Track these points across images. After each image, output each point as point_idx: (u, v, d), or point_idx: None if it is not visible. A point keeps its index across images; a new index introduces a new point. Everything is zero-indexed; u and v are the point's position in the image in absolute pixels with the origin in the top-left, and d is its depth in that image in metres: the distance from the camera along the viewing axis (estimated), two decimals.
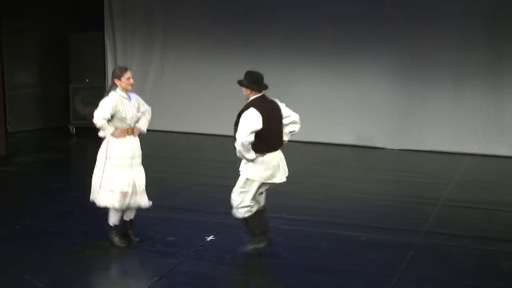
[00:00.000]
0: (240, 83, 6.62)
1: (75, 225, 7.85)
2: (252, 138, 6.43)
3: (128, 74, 6.94)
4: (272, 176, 6.66)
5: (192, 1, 12.26)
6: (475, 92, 11.09)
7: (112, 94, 6.95)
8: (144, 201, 7.16)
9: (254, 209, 6.72)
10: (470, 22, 10.89)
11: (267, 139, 6.52)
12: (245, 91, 6.61)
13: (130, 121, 6.97)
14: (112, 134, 6.95)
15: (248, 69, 6.75)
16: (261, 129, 6.46)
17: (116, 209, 7.03)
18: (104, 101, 6.93)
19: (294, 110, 11.68)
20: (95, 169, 7.08)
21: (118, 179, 6.93)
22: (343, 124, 11.63)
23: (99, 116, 6.91)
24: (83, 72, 12.29)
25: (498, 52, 10.88)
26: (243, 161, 6.66)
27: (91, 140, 12.29)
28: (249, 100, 6.56)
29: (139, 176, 7.09)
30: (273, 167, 6.63)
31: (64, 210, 8.38)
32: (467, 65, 11.06)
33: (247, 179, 6.63)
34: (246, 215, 6.70)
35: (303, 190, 9.27)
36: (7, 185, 9.52)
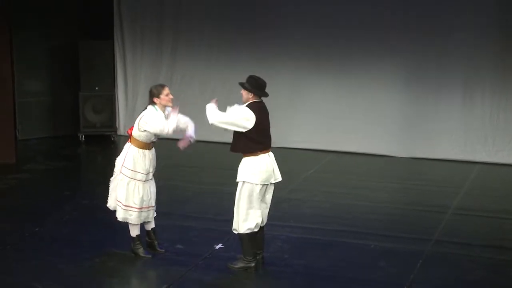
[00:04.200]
0: (242, 85, 6.66)
1: (84, 233, 7.86)
2: (227, 127, 6.46)
3: (166, 90, 6.94)
4: (268, 178, 6.67)
5: (202, 10, 12.25)
6: (485, 100, 11.04)
7: (152, 109, 6.89)
8: (152, 215, 7.20)
9: (257, 226, 6.68)
10: (480, 30, 10.85)
11: (260, 138, 6.59)
12: (245, 94, 6.66)
13: (154, 139, 7.00)
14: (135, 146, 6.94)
15: (253, 74, 6.77)
16: (255, 129, 6.51)
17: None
18: (155, 116, 6.82)
19: (302, 118, 11.84)
20: (113, 174, 7.06)
21: (136, 195, 6.94)
22: (351, 131, 11.59)
23: (166, 126, 6.77)
24: (92, 80, 12.30)
25: (509, 60, 10.84)
26: (241, 164, 6.65)
27: (101, 148, 12.41)
28: (248, 103, 6.61)
29: (151, 191, 7.11)
30: (268, 171, 6.64)
31: (73, 218, 8.39)
32: (477, 73, 11.01)
33: (245, 183, 6.60)
34: (249, 230, 6.64)
35: (311, 198, 9.25)
36: (17, 192, 9.53)
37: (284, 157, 11.32)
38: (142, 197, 6.96)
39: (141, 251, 7.11)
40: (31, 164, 10.82)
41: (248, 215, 6.62)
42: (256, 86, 6.64)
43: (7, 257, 7.21)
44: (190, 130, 7.07)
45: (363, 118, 11.56)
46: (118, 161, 7.03)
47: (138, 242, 7.11)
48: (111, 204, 7.13)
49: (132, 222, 7.00)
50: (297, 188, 9.66)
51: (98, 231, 7.87)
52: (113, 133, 12.49)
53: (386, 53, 11.33)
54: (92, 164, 11.50)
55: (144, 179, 6.96)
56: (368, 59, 11.41)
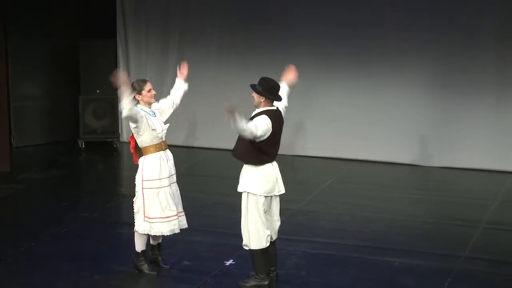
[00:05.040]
0: (254, 88, 6.60)
1: (84, 248, 7.81)
2: (262, 135, 6.43)
3: (148, 86, 6.94)
4: (272, 189, 6.61)
5: (211, 9, 12.25)
6: None
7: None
8: (183, 222, 7.13)
9: (268, 240, 6.61)
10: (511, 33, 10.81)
11: (268, 149, 6.54)
12: (256, 97, 6.62)
13: (161, 135, 6.96)
14: (143, 151, 6.91)
15: (265, 76, 6.71)
16: (267, 140, 6.47)
17: (153, 234, 6.97)
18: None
19: (317, 123, 11.79)
20: (136, 193, 7.01)
21: (170, 201, 6.89)
22: (372, 138, 11.54)
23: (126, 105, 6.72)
24: (93, 82, 12.30)
25: None
26: (242, 173, 6.60)
27: (102, 156, 12.42)
28: (261, 110, 6.55)
29: (177, 195, 7.07)
30: (272, 181, 6.59)
31: (72, 231, 8.35)
32: (509, 77, 10.93)
33: (249, 194, 6.55)
34: (261, 246, 6.57)
35: (329, 211, 9.19)
36: (11, 203, 9.53)
37: (299, 166, 11.39)
38: (174, 202, 6.94)
39: (145, 267, 7.06)
40: (26, 173, 10.81)
41: (258, 229, 6.56)
42: (268, 89, 6.58)
43: (0, 273, 7.16)
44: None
45: (385, 124, 11.51)
46: (137, 179, 6.96)
47: (143, 258, 7.06)
48: (140, 227, 6.97)
49: (177, 231, 6.97)
50: (314, 200, 9.61)
51: (99, 246, 7.82)
52: (115, 139, 12.48)
53: (410, 53, 11.28)
54: (93, 173, 11.48)
55: (169, 183, 6.93)
56: (390, 59, 11.36)
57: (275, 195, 6.68)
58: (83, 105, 12.34)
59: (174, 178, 7.08)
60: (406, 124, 11.42)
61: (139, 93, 6.90)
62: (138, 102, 6.90)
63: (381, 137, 11.52)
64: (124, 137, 12.78)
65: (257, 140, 6.48)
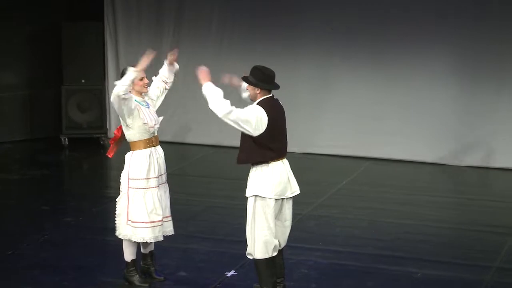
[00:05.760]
0: (246, 80, 6.62)
1: (68, 257, 7.83)
2: (235, 126, 6.43)
3: (141, 74, 6.95)
4: (284, 190, 6.61)
5: None
6: None
7: None
8: (169, 228, 7.15)
9: (276, 249, 6.62)
10: None
11: (270, 144, 6.53)
12: (251, 89, 6.63)
13: (153, 129, 6.98)
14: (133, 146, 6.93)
15: (258, 65, 6.72)
16: (267, 133, 6.47)
17: (140, 242, 6.99)
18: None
19: (330, 117, 11.79)
20: (120, 192, 7.03)
21: (157, 204, 6.91)
22: (392, 134, 11.55)
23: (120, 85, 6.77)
24: (78, 70, 12.33)
25: None
26: (250, 176, 6.63)
27: (88, 153, 12.43)
28: (257, 101, 6.57)
29: (165, 197, 7.08)
30: (284, 182, 6.59)
31: (54, 239, 8.36)
32: None
33: (257, 198, 6.55)
34: (267, 255, 6.59)
35: (344, 215, 9.20)
36: None
37: (310, 165, 11.40)
38: (161, 205, 6.96)
39: (136, 278, 7.09)
40: (2, 173, 10.84)
41: (265, 237, 6.57)
42: (263, 78, 6.59)
43: None
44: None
45: (406, 118, 11.51)
46: (123, 177, 6.99)
47: (133, 268, 7.09)
48: (121, 231, 7.00)
49: (160, 238, 6.98)
50: (326, 203, 9.62)
51: (85, 256, 7.84)
52: (102, 135, 12.51)
53: (435, 39, 11.28)
54: (77, 173, 11.51)
55: (158, 184, 6.95)
56: (413, 45, 11.36)
57: (287, 198, 6.68)
58: (66, 97, 12.37)
59: (164, 178, 7.09)
60: (431, 118, 11.42)
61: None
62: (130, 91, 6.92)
63: (403, 132, 11.52)
64: (112, 133, 12.78)
65: (255, 135, 6.46)
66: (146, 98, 7.07)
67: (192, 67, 12.24)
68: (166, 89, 7.30)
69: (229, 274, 7.42)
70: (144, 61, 6.90)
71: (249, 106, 6.58)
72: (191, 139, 12.42)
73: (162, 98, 7.27)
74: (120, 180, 7.00)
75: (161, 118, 7.13)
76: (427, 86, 11.42)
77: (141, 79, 6.96)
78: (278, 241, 6.72)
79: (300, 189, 6.76)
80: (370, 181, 10.68)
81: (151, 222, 6.90)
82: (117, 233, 7.04)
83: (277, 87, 6.65)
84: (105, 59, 12.71)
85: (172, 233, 7.18)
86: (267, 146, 6.53)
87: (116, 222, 7.03)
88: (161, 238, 7.01)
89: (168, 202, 7.13)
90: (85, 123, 12.46)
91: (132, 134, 6.93)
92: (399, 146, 11.55)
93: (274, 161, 6.59)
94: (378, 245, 8.25)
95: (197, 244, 8.19)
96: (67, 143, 12.40)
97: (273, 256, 6.65)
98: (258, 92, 6.59)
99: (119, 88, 6.72)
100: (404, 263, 7.75)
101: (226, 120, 6.46)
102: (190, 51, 12.30)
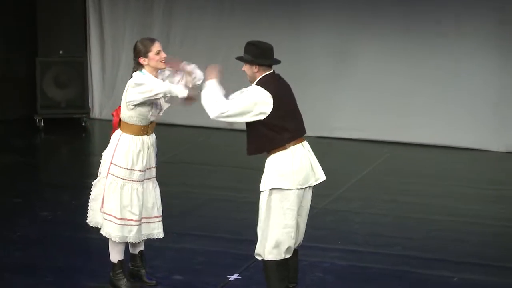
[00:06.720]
0: (241, 59, 6.64)
1: (44, 257, 7.86)
2: (236, 121, 6.50)
3: (157, 47, 6.94)
4: (307, 178, 6.62)
5: None
6: None
7: (139, 74, 6.90)
8: (157, 230, 7.18)
9: (290, 250, 6.65)
10: None
11: (285, 123, 6.55)
12: (248, 69, 6.65)
13: (153, 117, 7.01)
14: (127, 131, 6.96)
15: (256, 40, 6.73)
16: (275, 112, 6.49)
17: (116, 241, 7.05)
18: (143, 77, 6.86)
19: (349, 97, 11.78)
20: (97, 176, 7.08)
21: (134, 201, 6.94)
22: (421, 115, 11.57)
23: (160, 84, 6.80)
24: (55, 40, 12.33)
25: None
26: (266, 167, 6.66)
27: (67, 137, 12.42)
28: (257, 80, 6.59)
29: (154, 195, 7.11)
30: (306, 168, 6.60)
31: (28, 236, 8.39)
32: None
33: (273, 191, 6.57)
34: (279, 256, 6.62)
35: (365, 210, 9.23)
36: None
37: (325, 151, 11.33)
38: (143, 204, 6.98)
39: (123, 282, 7.13)
40: None
41: (279, 236, 6.59)
42: (259, 54, 6.61)
43: None
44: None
45: (439, 96, 11.53)
46: (105, 157, 7.03)
47: (120, 270, 7.13)
48: (93, 219, 7.09)
49: (132, 240, 7.02)
50: (345, 196, 9.66)
51: (64, 256, 7.87)
52: (84, 115, 12.53)
53: (471, 3, 11.25)
54: (55, 159, 11.53)
55: (142, 178, 6.98)
56: (449, 9, 11.33)
57: (310, 186, 6.70)
58: (42, 70, 12.37)
59: (153, 172, 7.10)
60: (468, 95, 11.43)
61: (145, 56, 6.92)
62: (142, 67, 6.94)
63: (435, 112, 11.54)
64: (96, 113, 12.82)
65: (263, 118, 6.49)
66: (160, 76, 7.05)
67: (188, 41, 12.39)
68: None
69: (232, 277, 7.43)
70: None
71: (246, 91, 6.58)
72: (187, 120, 12.41)
73: None
74: (101, 160, 7.04)
75: (166, 105, 7.14)
76: (465, 59, 11.42)
77: (157, 53, 6.95)
78: (298, 241, 6.75)
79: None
80: (396, 170, 10.71)
81: (122, 219, 6.92)
82: (88, 220, 7.09)
83: (276, 61, 6.67)
84: (87, 27, 12.71)
85: (161, 235, 7.19)
86: (279, 127, 6.54)
87: (89, 207, 7.07)
88: (132, 240, 7.01)
89: (157, 201, 7.15)
90: (64, 101, 12.48)
91: (129, 115, 6.94)
92: (429, 129, 11.57)
93: (292, 144, 6.60)
94: (405, 244, 8.26)
95: (195, 243, 8.21)
96: (42, 124, 12.42)
97: (286, 258, 6.68)
98: (256, 70, 6.61)
99: (181, 92, 6.77)
100: (436, 266, 7.75)
101: (221, 120, 6.53)
102: (185, 22, 12.33)
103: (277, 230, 6.57)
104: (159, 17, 12.54)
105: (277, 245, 6.60)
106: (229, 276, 7.44)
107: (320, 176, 6.72)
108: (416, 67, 11.58)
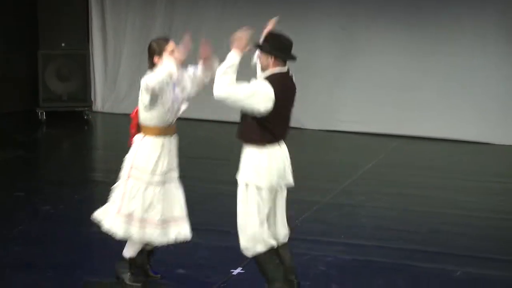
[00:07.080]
0: (259, 47, 6.65)
1: (46, 254, 7.85)
2: (233, 105, 6.51)
3: (171, 46, 6.95)
4: (279, 180, 6.64)
5: None
6: None
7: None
8: (184, 231, 7.15)
9: (270, 243, 6.64)
10: None
11: (273, 127, 6.58)
12: (264, 59, 6.66)
13: (172, 117, 7.00)
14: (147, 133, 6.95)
15: (276, 32, 6.72)
16: (272, 114, 6.50)
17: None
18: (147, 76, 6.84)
19: (354, 89, 11.77)
20: (119, 180, 7.05)
21: (156, 204, 6.94)
22: (426, 108, 11.60)
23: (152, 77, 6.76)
24: (57, 33, 12.33)
25: None
26: (243, 159, 6.68)
27: (69, 130, 12.43)
28: (268, 75, 6.58)
29: (176, 196, 7.10)
30: (280, 169, 6.62)
31: (30, 232, 8.39)
32: None
33: (249, 186, 6.59)
34: (265, 248, 6.62)
35: (370, 203, 9.23)
36: None
37: (330, 144, 11.38)
38: (165, 206, 6.97)
39: (129, 277, 7.12)
40: None
41: (261, 228, 6.60)
42: (278, 46, 6.63)
43: None
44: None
45: (443, 89, 11.53)
46: (127, 160, 7.01)
47: (129, 265, 7.12)
48: (107, 222, 6.99)
49: (157, 243, 7.04)
50: (350, 189, 9.65)
51: (66, 251, 7.86)
52: (86, 109, 12.54)
53: None
54: (57, 153, 11.54)
55: (162, 181, 6.96)
56: (450, 5, 11.35)
57: (281, 188, 6.70)
58: (44, 63, 12.38)
59: (174, 174, 7.10)
60: (476, 88, 11.45)
61: (160, 55, 6.92)
62: (156, 66, 6.92)
63: (441, 105, 11.54)
64: (98, 106, 12.83)
65: (258, 114, 6.49)
66: (182, 73, 7.02)
67: (190, 32, 12.33)
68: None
69: (236, 272, 7.45)
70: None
71: (254, 83, 6.57)
72: (190, 113, 12.38)
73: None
74: (123, 164, 7.02)
75: (184, 106, 7.12)
76: (472, 51, 11.42)
77: (172, 52, 6.94)
78: (278, 234, 6.73)
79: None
80: (401, 163, 10.71)
81: (143, 221, 6.92)
82: (96, 213, 7.03)
83: (293, 58, 6.67)
84: (89, 19, 12.71)
85: (188, 237, 7.15)
86: (268, 129, 6.56)
87: (104, 206, 7.04)
88: (157, 243, 7.01)
89: (180, 201, 7.14)
90: (66, 94, 12.49)
91: (148, 118, 6.93)
92: (435, 122, 11.57)
93: (271, 144, 6.62)
94: (410, 238, 8.27)
95: (198, 237, 8.16)
96: (44, 117, 12.43)
97: (275, 249, 6.67)
98: (271, 61, 6.61)
99: (153, 81, 6.73)
100: (441, 260, 7.76)
101: (220, 99, 6.52)
102: (188, 13, 12.33)
103: (255, 222, 6.60)
104: (161, 9, 12.54)
105: (261, 237, 6.62)
106: (232, 270, 7.46)
107: (289, 180, 6.75)
108: (421, 61, 11.59)
